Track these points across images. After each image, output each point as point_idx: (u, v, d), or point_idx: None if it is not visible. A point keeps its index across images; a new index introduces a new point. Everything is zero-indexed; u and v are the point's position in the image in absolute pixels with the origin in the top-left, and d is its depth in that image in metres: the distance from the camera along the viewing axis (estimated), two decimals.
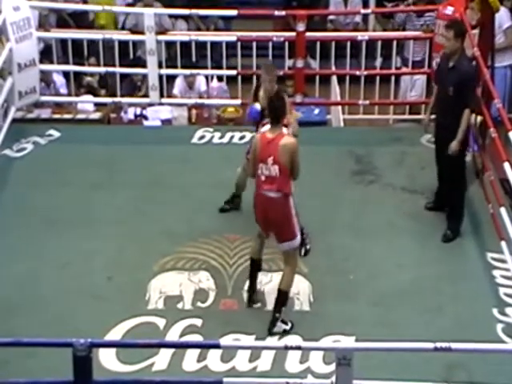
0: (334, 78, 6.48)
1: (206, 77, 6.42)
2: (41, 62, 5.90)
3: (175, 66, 6.34)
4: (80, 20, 7.24)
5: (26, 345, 3.49)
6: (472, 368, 3.96)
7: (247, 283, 4.37)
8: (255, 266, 4.34)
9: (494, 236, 4.70)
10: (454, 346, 3.29)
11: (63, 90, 6.46)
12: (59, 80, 6.46)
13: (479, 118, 5.36)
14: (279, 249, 4.23)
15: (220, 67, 6.30)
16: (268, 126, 4.17)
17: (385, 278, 4.58)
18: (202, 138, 5.78)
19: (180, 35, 6.57)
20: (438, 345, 3.26)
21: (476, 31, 5.60)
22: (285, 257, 4.21)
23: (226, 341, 4.01)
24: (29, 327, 4.15)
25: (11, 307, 4.34)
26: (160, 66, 6.04)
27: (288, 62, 6.38)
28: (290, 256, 4.18)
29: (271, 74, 4.52)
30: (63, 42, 6.62)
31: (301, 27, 5.72)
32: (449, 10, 5.52)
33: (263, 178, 4.11)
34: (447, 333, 4.06)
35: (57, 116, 6.17)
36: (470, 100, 4.62)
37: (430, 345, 3.29)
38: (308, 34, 5.78)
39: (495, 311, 4.36)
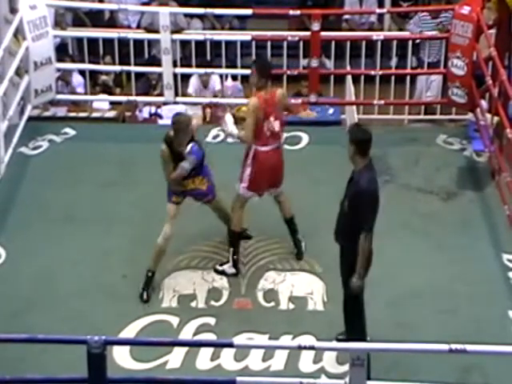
0: (349, 78, 6.45)
1: (221, 76, 6.42)
2: (59, 60, 5.94)
3: (190, 65, 6.34)
4: (96, 19, 7.27)
5: (41, 341, 3.51)
6: (487, 370, 3.93)
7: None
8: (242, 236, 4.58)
9: (510, 237, 4.67)
10: (469, 347, 3.27)
11: (80, 90, 6.49)
12: (77, 80, 6.49)
13: (496, 119, 5.33)
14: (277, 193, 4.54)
15: (235, 66, 6.29)
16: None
17: (399, 278, 4.56)
18: (216, 137, 5.78)
19: (195, 34, 6.57)
20: (453, 346, 3.25)
21: (493, 31, 5.56)
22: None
23: (240, 340, 4.01)
24: (44, 324, 4.17)
25: (27, 304, 4.37)
26: (175, 65, 6.05)
27: (303, 62, 6.36)
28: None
29: None
30: (79, 40, 6.65)
31: (316, 27, 5.71)
32: (465, 10, 5.48)
33: (268, 133, 4.42)
34: (462, 334, 4.04)
35: (72, 114, 6.21)
36: (364, 221, 3.74)
37: (445, 346, 3.27)
38: (323, 33, 5.77)
39: (511, 313, 4.32)
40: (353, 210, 3.78)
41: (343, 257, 3.89)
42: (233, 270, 4.52)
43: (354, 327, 3.92)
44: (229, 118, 4.49)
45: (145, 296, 4.40)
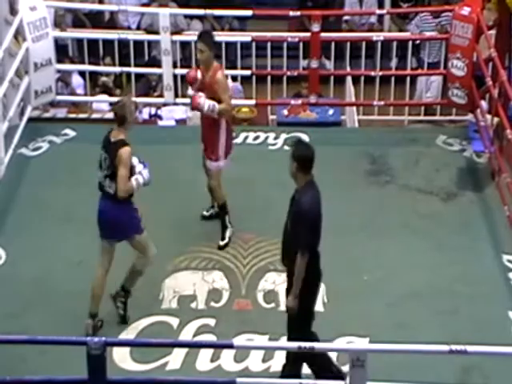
0: (349, 79, 6.46)
1: None
2: (59, 61, 5.94)
3: (190, 66, 6.33)
4: (96, 20, 7.28)
5: (41, 342, 3.51)
6: (487, 371, 3.93)
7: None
8: None
9: (510, 238, 4.67)
10: (469, 348, 3.27)
11: (80, 91, 6.50)
12: (77, 81, 6.50)
13: (496, 120, 5.32)
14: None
15: (235, 67, 6.30)
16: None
17: (399, 279, 4.56)
18: None
19: (195, 35, 6.57)
20: (454, 347, 3.25)
21: (493, 32, 5.56)
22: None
23: (240, 341, 4.01)
24: (44, 325, 4.17)
25: (27, 305, 4.37)
26: (175, 66, 6.06)
27: (303, 63, 6.37)
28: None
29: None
30: (79, 41, 6.66)
31: (316, 27, 5.71)
32: (465, 11, 5.48)
33: None
34: (462, 335, 4.04)
35: (72, 115, 6.21)
36: (302, 240, 3.55)
37: (446, 347, 3.27)
38: (323, 34, 5.78)
39: (511, 314, 4.32)
40: (295, 230, 3.61)
41: (289, 280, 3.67)
42: (232, 230, 4.73)
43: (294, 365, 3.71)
44: (202, 97, 4.54)
45: (128, 317, 4.23)
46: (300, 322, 3.73)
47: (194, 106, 4.60)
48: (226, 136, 4.67)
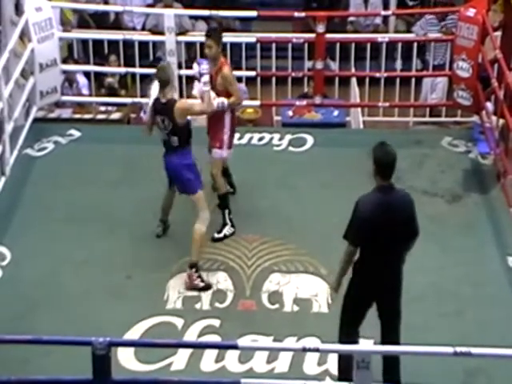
0: (354, 80, 6.46)
1: None
2: (64, 61, 5.95)
3: None
4: (101, 20, 7.29)
5: (46, 343, 3.52)
6: (492, 373, 3.92)
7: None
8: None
9: None
10: (474, 350, 3.26)
11: (85, 91, 6.51)
12: (82, 81, 6.52)
13: (501, 121, 5.32)
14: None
15: (239, 68, 6.30)
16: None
17: (404, 280, 4.53)
18: None
19: (200, 36, 6.58)
20: (458, 349, 3.24)
21: (498, 33, 5.56)
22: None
23: (244, 342, 4.00)
24: (49, 325, 4.18)
25: (32, 305, 4.38)
26: (180, 67, 6.07)
27: (307, 64, 6.37)
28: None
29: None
30: (84, 42, 6.67)
31: (320, 28, 5.72)
32: (471, 12, 5.48)
33: None
34: (467, 337, 4.03)
35: (77, 116, 6.22)
36: (345, 231, 3.69)
37: (450, 349, 3.26)
38: (328, 35, 5.78)
39: None
40: None
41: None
42: (232, 230, 4.76)
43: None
44: (212, 94, 4.63)
45: (204, 284, 4.44)
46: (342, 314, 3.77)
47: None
48: (230, 125, 4.74)
